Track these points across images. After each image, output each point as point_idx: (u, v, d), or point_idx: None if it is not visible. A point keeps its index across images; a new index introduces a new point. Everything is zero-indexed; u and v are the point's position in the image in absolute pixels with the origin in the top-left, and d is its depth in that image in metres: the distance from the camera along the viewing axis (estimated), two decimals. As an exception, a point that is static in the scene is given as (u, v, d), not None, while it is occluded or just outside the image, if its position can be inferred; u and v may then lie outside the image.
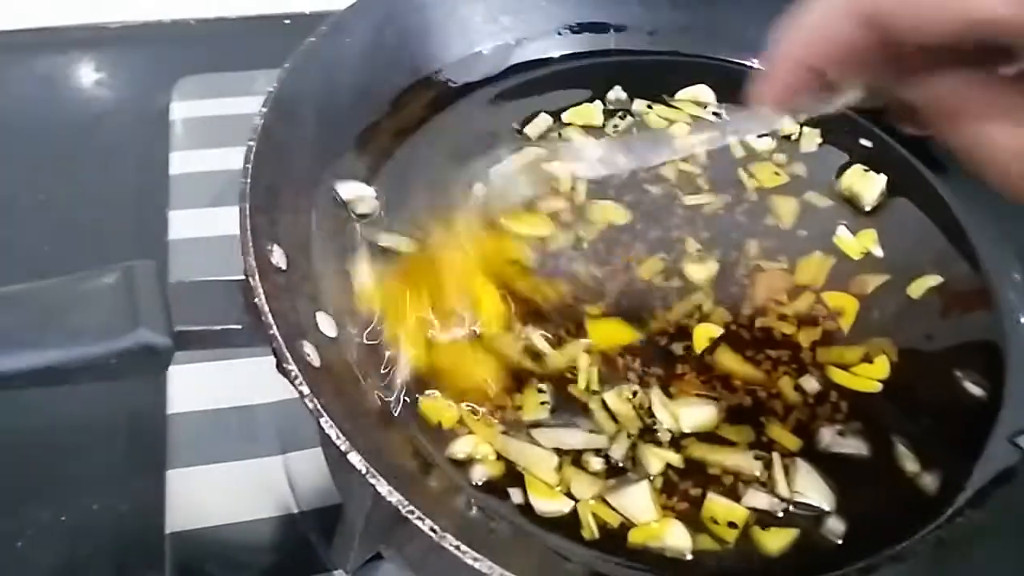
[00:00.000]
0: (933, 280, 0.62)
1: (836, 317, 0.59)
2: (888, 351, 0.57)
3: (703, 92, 0.74)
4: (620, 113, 0.72)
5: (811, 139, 0.71)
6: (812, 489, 0.51)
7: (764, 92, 0.41)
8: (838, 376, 0.56)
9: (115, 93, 0.94)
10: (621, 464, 0.51)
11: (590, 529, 0.49)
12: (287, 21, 1.01)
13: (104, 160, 0.85)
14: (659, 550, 0.48)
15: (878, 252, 0.63)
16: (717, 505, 0.50)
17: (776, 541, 0.49)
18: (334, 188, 0.61)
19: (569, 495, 0.50)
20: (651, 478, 0.50)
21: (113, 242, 0.77)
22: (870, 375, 0.56)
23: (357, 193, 0.62)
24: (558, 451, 0.51)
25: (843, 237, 0.64)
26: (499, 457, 0.51)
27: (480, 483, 0.50)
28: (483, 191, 0.62)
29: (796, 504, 0.50)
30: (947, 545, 0.50)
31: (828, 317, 0.59)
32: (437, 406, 0.52)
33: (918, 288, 0.61)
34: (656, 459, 0.51)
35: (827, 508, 0.50)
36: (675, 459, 0.51)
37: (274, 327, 0.43)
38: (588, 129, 0.71)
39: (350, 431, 0.41)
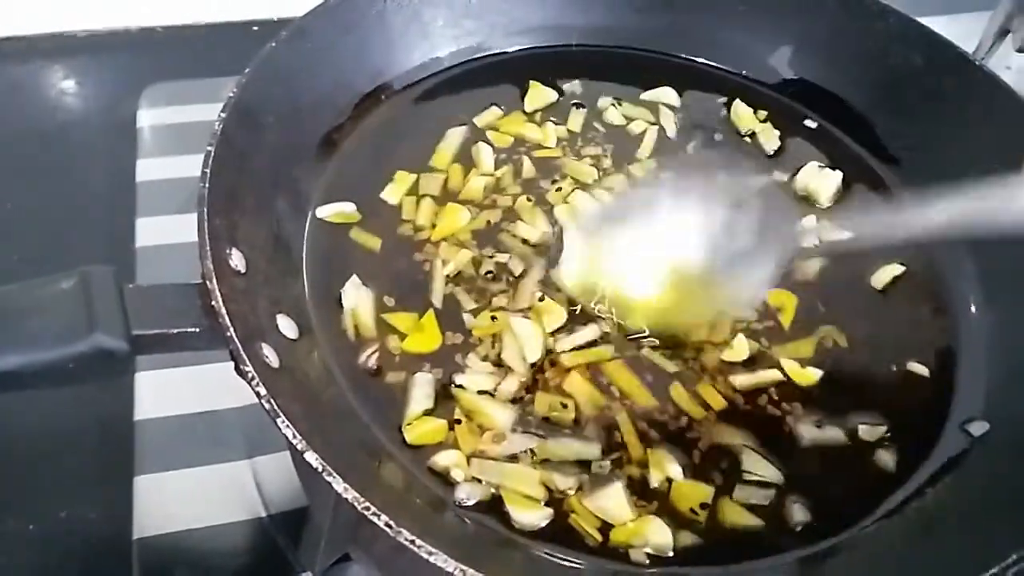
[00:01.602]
0: (896, 269, 0.63)
1: (776, 314, 0.60)
2: (837, 339, 0.59)
3: (668, 94, 0.75)
4: (576, 104, 0.73)
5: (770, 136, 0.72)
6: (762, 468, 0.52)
7: None
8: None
9: (82, 101, 0.94)
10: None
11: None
12: (255, 28, 1.02)
13: (72, 168, 0.86)
14: (642, 547, 0.49)
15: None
16: (685, 487, 0.51)
17: (744, 517, 0.51)
18: (316, 213, 0.62)
19: (548, 503, 0.50)
20: (624, 479, 0.51)
21: (81, 250, 0.77)
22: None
23: (338, 210, 0.62)
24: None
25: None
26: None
27: (435, 468, 0.51)
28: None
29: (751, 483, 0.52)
30: (905, 525, 0.51)
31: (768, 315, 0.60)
32: (425, 426, 0.53)
33: (882, 278, 0.63)
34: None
35: (779, 483, 0.52)
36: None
37: (231, 329, 0.44)
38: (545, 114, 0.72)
39: (307, 431, 0.42)
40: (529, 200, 0.65)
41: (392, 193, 0.64)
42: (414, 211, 0.63)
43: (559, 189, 0.66)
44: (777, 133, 0.72)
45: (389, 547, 0.54)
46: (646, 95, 0.75)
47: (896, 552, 0.50)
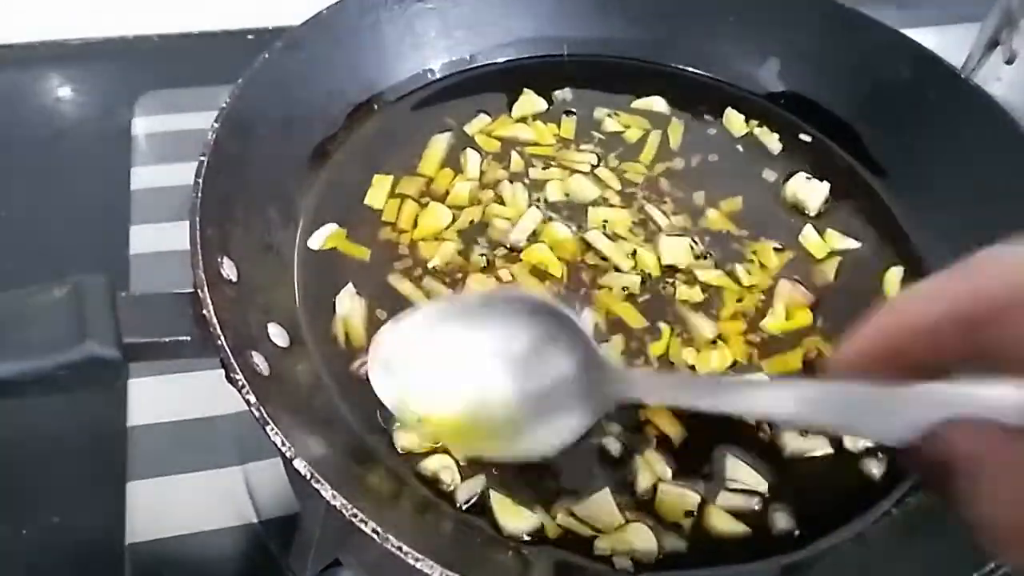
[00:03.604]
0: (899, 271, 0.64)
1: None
2: (823, 349, 0.59)
3: (657, 102, 0.75)
4: (567, 112, 0.74)
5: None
6: (746, 476, 0.53)
7: (843, 352, 0.35)
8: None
9: (77, 108, 0.94)
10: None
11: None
12: (250, 37, 1.02)
13: (66, 175, 0.86)
14: (627, 554, 0.50)
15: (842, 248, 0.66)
16: (669, 496, 0.52)
17: (730, 524, 0.51)
18: (307, 244, 0.61)
19: (536, 509, 0.50)
20: (611, 486, 0.52)
21: (75, 257, 0.77)
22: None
23: (328, 233, 0.62)
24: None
25: (808, 236, 0.66)
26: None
27: (423, 474, 0.51)
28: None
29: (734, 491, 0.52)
30: (888, 531, 0.52)
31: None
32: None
33: (891, 281, 0.64)
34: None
35: (763, 491, 0.52)
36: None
37: (222, 338, 0.44)
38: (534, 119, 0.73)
39: (296, 438, 0.42)
40: (511, 182, 0.66)
41: (373, 198, 0.65)
42: (395, 213, 0.64)
43: (546, 168, 0.68)
44: (776, 136, 0.74)
45: (378, 553, 0.55)
46: (636, 103, 0.75)
47: (879, 559, 0.50)
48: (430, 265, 0.60)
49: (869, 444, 0.55)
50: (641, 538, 0.50)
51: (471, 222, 0.64)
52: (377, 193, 0.65)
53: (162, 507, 0.62)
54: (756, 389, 0.41)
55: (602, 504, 0.51)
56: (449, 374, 0.46)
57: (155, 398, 0.67)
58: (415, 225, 0.63)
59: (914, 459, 0.33)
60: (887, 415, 0.33)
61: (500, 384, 0.46)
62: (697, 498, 0.52)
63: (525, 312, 0.46)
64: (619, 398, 0.44)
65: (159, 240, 0.77)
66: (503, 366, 0.46)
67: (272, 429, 0.42)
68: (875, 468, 0.54)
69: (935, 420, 0.32)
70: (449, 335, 0.47)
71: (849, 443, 0.55)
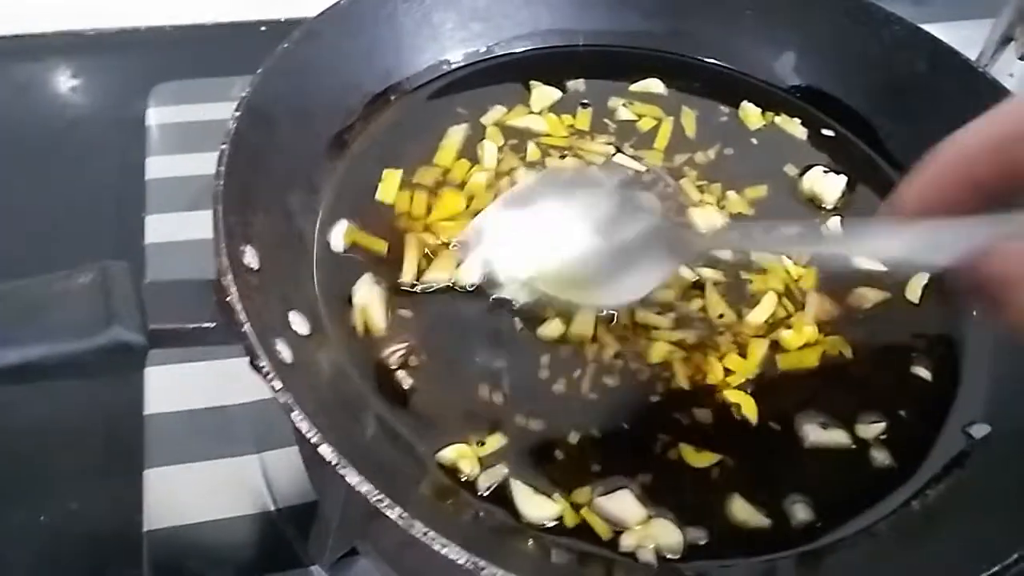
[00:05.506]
0: (924, 279, 0.63)
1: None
2: (843, 350, 0.59)
3: (655, 84, 0.76)
4: (583, 104, 0.74)
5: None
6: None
7: (905, 195, 0.43)
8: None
9: (91, 99, 0.94)
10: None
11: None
12: (263, 28, 1.03)
13: (81, 165, 0.86)
14: (651, 547, 0.50)
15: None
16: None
17: (751, 515, 0.51)
18: (328, 244, 0.60)
19: (558, 498, 0.51)
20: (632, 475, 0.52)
21: (90, 247, 0.78)
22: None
23: (343, 230, 0.61)
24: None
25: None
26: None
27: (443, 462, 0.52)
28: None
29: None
30: (906, 524, 0.52)
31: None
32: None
33: (914, 290, 0.63)
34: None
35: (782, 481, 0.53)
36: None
37: (246, 325, 0.44)
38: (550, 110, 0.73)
39: (322, 425, 0.42)
40: (526, 169, 0.66)
41: (385, 193, 0.64)
42: (408, 204, 0.63)
43: (563, 158, 0.68)
44: (798, 120, 0.74)
45: (397, 541, 0.55)
46: (634, 87, 0.75)
47: (898, 549, 0.50)
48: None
49: (886, 435, 0.55)
50: (666, 532, 0.50)
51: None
52: (388, 188, 0.64)
53: (179, 495, 0.62)
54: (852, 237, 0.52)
55: (624, 500, 0.51)
56: (547, 237, 0.56)
57: (172, 386, 0.67)
58: (429, 212, 0.63)
59: (967, 278, 0.39)
60: (951, 245, 0.39)
61: (591, 240, 0.55)
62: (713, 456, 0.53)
63: (607, 186, 0.58)
64: (699, 250, 0.58)
65: (174, 229, 0.78)
66: (592, 226, 0.55)
67: (298, 416, 0.42)
68: (892, 461, 0.54)
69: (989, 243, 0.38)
70: (543, 206, 0.57)
71: (866, 433, 0.55)
